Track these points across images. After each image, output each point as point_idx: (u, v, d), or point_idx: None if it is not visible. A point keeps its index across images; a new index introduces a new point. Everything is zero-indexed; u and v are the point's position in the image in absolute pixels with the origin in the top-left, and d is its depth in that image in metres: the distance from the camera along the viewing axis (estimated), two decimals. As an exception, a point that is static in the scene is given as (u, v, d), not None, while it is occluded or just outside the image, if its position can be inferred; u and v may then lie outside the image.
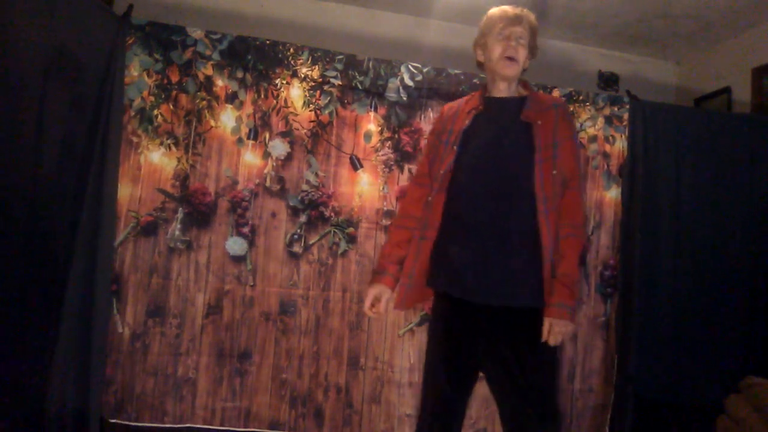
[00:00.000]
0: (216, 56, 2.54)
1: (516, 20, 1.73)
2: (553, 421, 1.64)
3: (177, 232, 2.49)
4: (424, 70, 2.71)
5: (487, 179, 1.67)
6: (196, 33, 2.53)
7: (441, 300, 1.78)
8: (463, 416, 1.78)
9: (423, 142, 2.71)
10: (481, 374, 1.76)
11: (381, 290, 1.82)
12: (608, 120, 2.84)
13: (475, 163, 1.69)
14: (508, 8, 1.77)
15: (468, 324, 1.68)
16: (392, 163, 2.69)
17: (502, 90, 1.77)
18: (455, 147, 1.71)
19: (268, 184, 2.59)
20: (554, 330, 1.58)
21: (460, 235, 1.68)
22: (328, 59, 2.64)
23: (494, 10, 1.80)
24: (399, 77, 2.68)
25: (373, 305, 1.83)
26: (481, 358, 1.69)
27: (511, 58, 1.71)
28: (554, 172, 1.64)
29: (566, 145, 1.69)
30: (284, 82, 2.61)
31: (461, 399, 1.76)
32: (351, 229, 2.64)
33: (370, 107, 2.69)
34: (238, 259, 2.54)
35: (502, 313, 1.62)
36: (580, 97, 2.82)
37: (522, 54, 1.74)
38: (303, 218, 2.60)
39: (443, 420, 1.72)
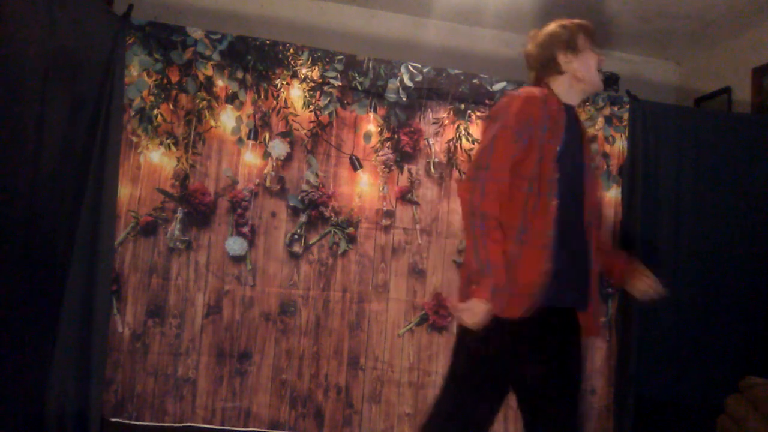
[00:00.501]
0: (216, 56, 2.54)
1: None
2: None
3: (177, 232, 2.49)
4: (424, 70, 2.71)
5: (576, 185, 1.70)
6: (196, 33, 2.53)
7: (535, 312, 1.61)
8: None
9: (423, 143, 2.71)
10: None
11: (487, 308, 1.56)
12: (608, 120, 2.84)
13: (568, 167, 1.67)
14: (588, 23, 1.81)
15: (536, 332, 1.60)
16: (392, 163, 2.69)
17: (576, 100, 1.79)
18: (558, 148, 1.64)
19: (268, 184, 2.59)
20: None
21: (564, 243, 1.63)
22: (328, 59, 2.64)
23: (583, 23, 1.80)
24: (399, 77, 2.68)
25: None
26: (520, 366, 1.63)
27: (601, 71, 1.79)
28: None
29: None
30: (284, 82, 2.62)
31: (496, 414, 1.73)
32: (351, 229, 2.64)
33: (370, 108, 2.69)
34: (238, 259, 2.54)
35: (562, 315, 1.64)
36: (580, 97, 2.82)
37: None
38: (303, 218, 2.60)
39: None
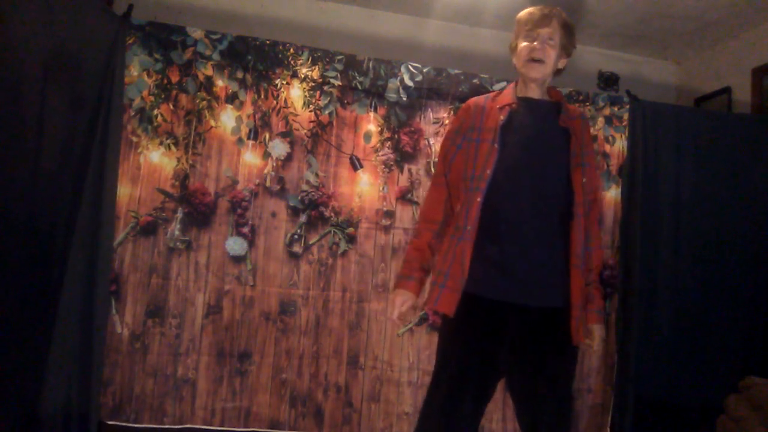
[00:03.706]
0: (216, 56, 2.55)
1: (543, 21, 1.68)
2: (567, 426, 1.65)
3: (177, 232, 2.49)
4: (424, 70, 2.71)
5: (527, 179, 1.66)
6: (196, 33, 2.53)
7: (466, 302, 1.66)
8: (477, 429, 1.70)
9: (423, 143, 2.72)
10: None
11: (406, 297, 1.75)
12: (608, 120, 2.84)
13: (513, 162, 1.65)
14: (536, 9, 1.72)
15: (495, 326, 1.63)
16: (392, 163, 2.69)
17: (534, 92, 1.75)
18: (496, 145, 1.65)
19: (268, 184, 2.59)
20: (599, 334, 1.71)
21: (498, 236, 1.64)
22: (328, 59, 2.64)
23: (523, 13, 1.75)
24: (399, 77, 2.69)
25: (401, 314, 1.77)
26: (504, 361, 1.65)
27: (536, 60, 1.69)
28: (584, 180, 1.69)
29: (593, 159, 1.78)
30: (284, 82, 2.62)
31: (480, 408, 1.68)
32: (351, 229, 2.64)
33: (370, 107, 2.69)
34: (238, 259, 2.54)
35: (532, 314, 1.62)
36: (580, 97, 2.82)
37: (551, 55, 1.70)
38: (303, 218, 2.61)
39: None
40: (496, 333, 1.63)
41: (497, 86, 2.71)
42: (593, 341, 1.70)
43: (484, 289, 1.64)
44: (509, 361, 1.64)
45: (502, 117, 1.70)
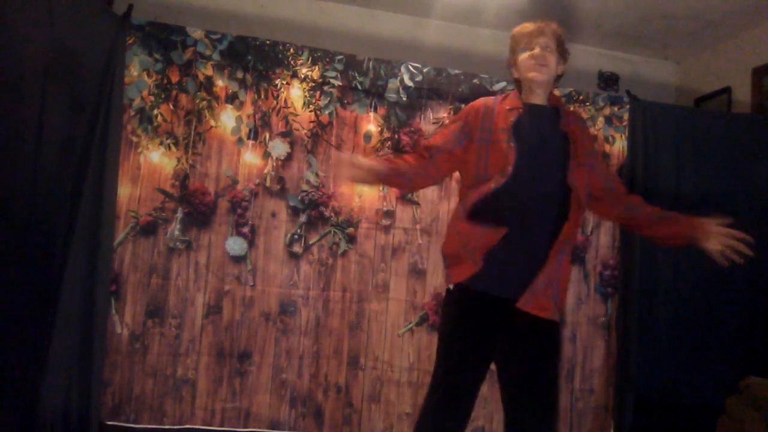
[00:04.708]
0: (216, 56, 2.55)
1: (538, 32, 1.80)
2: (553, 426, 1.72)
3: (177, 232, 2.49)
4: (424, 70, 2.71)
5: (531, 182, 1.72)
6: (196, 33, 2.53)
7: (469, 295, 1.76)
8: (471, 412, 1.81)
9: (423, 142, 2.71)
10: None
11: (371, 163, 1.76)
12: (608, 120, 2.84)
13: (519, 165, 1.72)
14: (528, 24, 1.83)
15: (494, 320, 1.72)
16: (392, 163, 2.68)
17: (539, 98, 1.82)
18: (513, 144, 1.72)
19: (268, 184, 2.59)
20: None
21: (505, 237, 1.70)
22: (328, 59, 2.64)
23: (516, 29, 1.85)
24: (399, 77, 2.69)
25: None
26: (498, 353, 1.75)
27: (540, 65, 1.78)
28: (594, 178, 1.80)
29: (600, 158, 1.90)
30: (284, 82, 2.61)
31: (476, 393, 1.79)
32: (351, 229, 2.64)
33: (370, 108, 2.69)
34: (238, 259, 2.54)
35: (528, 316, 1.69)
36: (580, 97, 2.82)
37: (551, 60, 1.80)
38: (303, 218, 2.60)
39: (460, 414, 1.76)
40: (495, 326, 1.73)
41: (497, 86, 2.71)
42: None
43: (488, 286, 1.72)
44: (503, 354, 1.75)
45: (511, 119, 1.77)
